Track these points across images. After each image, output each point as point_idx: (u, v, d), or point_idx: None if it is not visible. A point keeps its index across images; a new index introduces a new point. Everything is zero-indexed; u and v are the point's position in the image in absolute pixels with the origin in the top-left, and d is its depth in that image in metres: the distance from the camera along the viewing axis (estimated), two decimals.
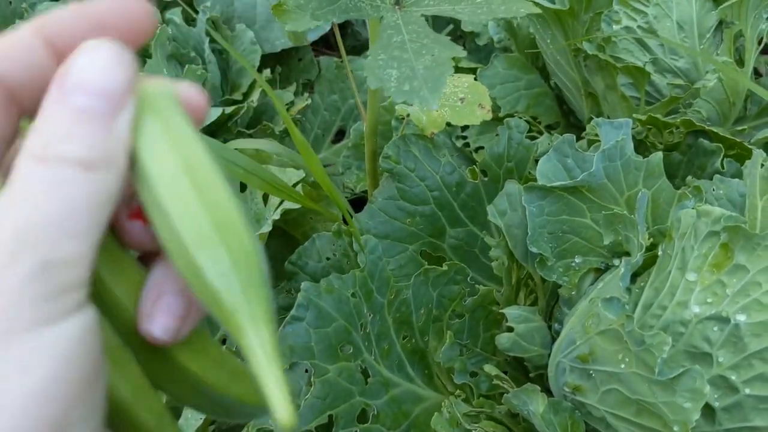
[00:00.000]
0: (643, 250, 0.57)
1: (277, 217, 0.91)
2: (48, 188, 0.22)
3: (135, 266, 0.28)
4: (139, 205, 0.26)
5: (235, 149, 0.59)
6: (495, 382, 0.68)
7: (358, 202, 1.21)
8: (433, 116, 0.77)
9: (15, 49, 0.25)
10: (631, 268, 0.56)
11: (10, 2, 1.26)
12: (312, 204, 0.64)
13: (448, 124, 0.86)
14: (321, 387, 0.58)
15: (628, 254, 0.69)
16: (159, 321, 0.26)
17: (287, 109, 1.24)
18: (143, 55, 1.17)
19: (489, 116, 0.77)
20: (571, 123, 1.17)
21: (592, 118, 0.78)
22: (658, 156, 0.65)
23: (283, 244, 1.16)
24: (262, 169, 0.59)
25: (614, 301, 0.53)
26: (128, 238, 0.27)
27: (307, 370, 0.64)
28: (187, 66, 1.09)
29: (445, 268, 0.70)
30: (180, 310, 0.27)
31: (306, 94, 1.25)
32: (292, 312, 0.59)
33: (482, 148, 0.92)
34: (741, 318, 0.55)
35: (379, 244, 0.67)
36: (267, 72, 1.21)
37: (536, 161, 0.85)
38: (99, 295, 0.26)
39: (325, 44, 1.59)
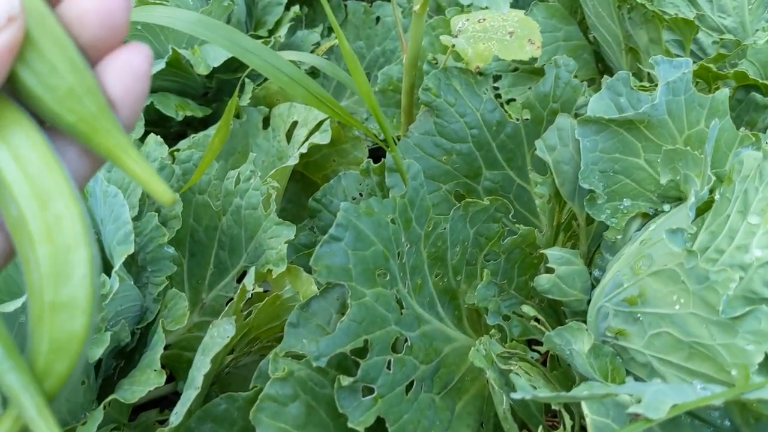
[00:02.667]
0: (711, 183, 0.54)
1: (304, 150, 0.87)
2: None
3: None
4: None
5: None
6: (532, 324, 0.65)
7: (381, 153, 1.17)
8: (480, 49, 0.73)
9: None
10: (698, 200, 0.53)
11: None
12: (353, 121, 0.60)
13: (480, 74, 0.82)
14: (358, 310, 0.55)
15: (679, 200, 0.66)
16: None
17: (312, 50, 1.20)
18: None
19: (539, 53, 0.73)
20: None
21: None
22: (724, 93, 0.62)
23: (301, 188, 1.12)
24: (307, 78, 0.55)
25: (679, 233, 0.50)
26: None
27: (338, 298, 0.61)
28: None
29: (486, 202, 0.67)
30: None
31: (333, 35, 1.21)
32: (331, 231, 0.56)
33: (513, 100, 0.88)
34: None
35: (421, 170, 0.64)
36: (296, 8, 1.17)
37: (582, 107, 0.82)
38: None
39: None
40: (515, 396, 0.44)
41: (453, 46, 0.75)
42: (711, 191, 0.61)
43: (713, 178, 0.55)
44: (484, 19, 0.75)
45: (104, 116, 0.29)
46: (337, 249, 0.56)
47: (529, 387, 0.49)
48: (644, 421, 0.39)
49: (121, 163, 0.29)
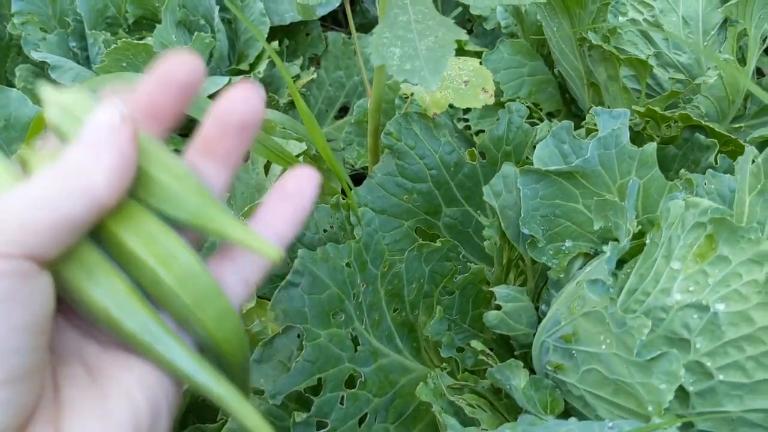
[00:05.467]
0: (630, 236, 0.59)
1: None
2: None
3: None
4: None
5: None
6: (480, 357, 0.70)
7: (358, 178, 1.22)
8: (437, 97, 0.78)
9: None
10: (617, 252, 0.58)
11: None
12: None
13: (451, 106, 0.87)
14: (312, 350, 0.60)
15: (616, 240, 0.71)
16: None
17: (293, 83, 1.25)
18: (153, 20, 1.18)
19: (491, 101, 0.78)
20: (573, 112, 1.18)
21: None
22: (651, 146, 0.67)
23: None
24: (267, 136, 0.61)
25: (599, 283, 0.55)
26: None
27: (299, 336, 0.66)
28: (196, 33, 1.10)
29: (438, 244, 0.72)
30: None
31: (312, 69, 1.26)
32: (288, 277, 0.61)
33: (483, 131, 0.93)
34: (720, 307, 0.57)
35: (375, 217, 0.69)
36: (275, 44, 1.22)
37: (534, 147, 0.87)
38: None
39: (333, 21, 1.60)
40: None
41: (412, 94, 0.80)
42: (642, 234, 0.66)
43: (632, 230, 0.60)
44: (439, 80, 0.80)
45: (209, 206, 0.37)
46: (294, 294, 0.61)
47: (458, 426, 0.54)
48: None
49: (227, 236, 0.37)
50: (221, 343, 0.36)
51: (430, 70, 0.53)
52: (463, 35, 0.54)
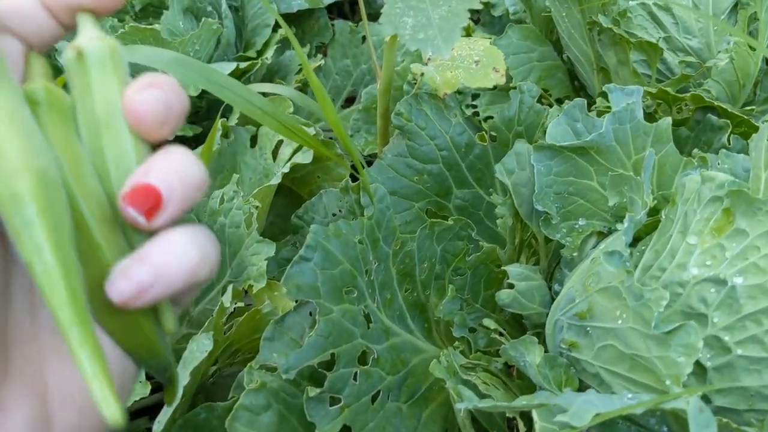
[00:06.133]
0: (647, 208, 0.58)
1: (286, 170, 0.92)
2: None
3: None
4: (141, 184, 0.30)
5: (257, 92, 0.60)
6: (493, 336, 0.69)
7: (369, 164, 1.22)
8: (447, 77, 0.78)
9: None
10: (634, 225, 0.58)
11: None
12: (325, 150, 0.65)
13: (459, 92, 0.87)
14: (325, 325, 0.60)
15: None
16: (119, 285, 0.29)
17: (299, 71, 1.25)
18: (160, 6, 1.18)
19: (502, 80, 0.78)
20: (582, 98, 1.17)
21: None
22: (666, 121, 0.66)
23: (289, 202, 1.17)
24: (279, 111, 0.60)
25: (615, 255, 0.55)
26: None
27: (311, 313, 0.65)
28: (203, 20, 1.09)
29: (450, 222, 0.72)
30: (141, 283, 0.29)
31: (319, 56, 1.26)
32: (301, 252, 0.61)
33: (491, 117, 0.93)
34: (738, 280, 0.57)
35: (387, 194, 0.68)
36: (282, 31, 1.21)
37: (545, 129, 0.86)
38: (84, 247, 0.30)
39: (339, 12, 1.60)
40: (459, 406, 0.48)
41: (422, 74, 0.80)
42: (657, 212, 0.66)
43: (649, 203, 0.59)
44: (452, 48, 0.79)
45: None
46: (306, 268, 0.61)
47: (475, 397, 0.54)
48: (569, 429, 0.44)
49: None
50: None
51: (444, 38, 0.52)
52: (477, 4, 0.54)
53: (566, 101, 1.16)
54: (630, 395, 0.50)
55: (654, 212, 0.66)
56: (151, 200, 0.29)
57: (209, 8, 1.17)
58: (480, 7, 0.54)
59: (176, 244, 0.30)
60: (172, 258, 0.29)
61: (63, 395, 0.30)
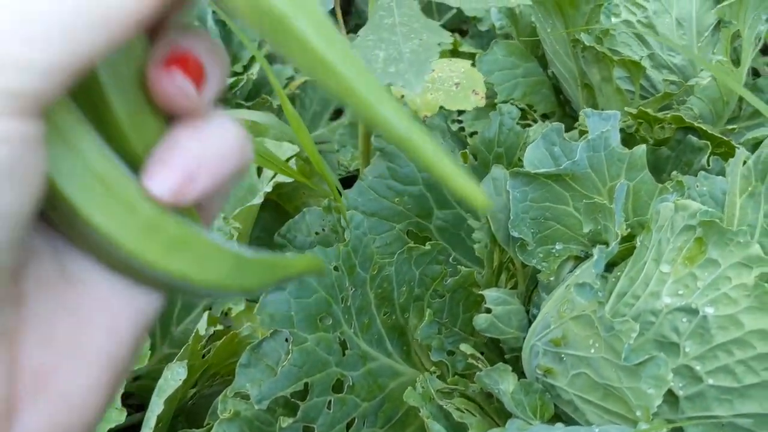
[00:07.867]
0: (619, 239, 0.58)
1: (269, 189, 0.92)
2: None
3: (159, 121, 0.25)
4: (182, 50, 0.24)
5: None
6: (470, 361, 0.69)
7: (353, 180, 1.22)
8: (427, 99, 0.78)
9: None
10: (605, 256, 0.58)
11: None
12: (302, 178, 0.65)
13: (443, 108, 0.87)
14: (299, 355, 0.60)
15: (606, 244, 0.70)
16: (163, 176, 0.24)
17: (286, 84, 1.25)
18: None
19: (482, 103, 0.78)
20: (567, 113, 1.18)
21: None
22: (641, 149, 0.66)
23: (275, 217, 1.17)
24: (256, 141, 0.60)
25: (586, 287, 0.55)
26: (158, 94, 0.24)
27: (287, 339, 0.66)
28: None
29: (428, 247, 0.72)
30: (189, 172, 0.24)
31: None
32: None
33: (477, 133, 0.93)
34: (709, 310, 0.57)
35: (364, 219, 0.68)
36: (268, 46, 1.21)
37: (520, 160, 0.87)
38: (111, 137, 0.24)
39: None
40: None
41: (402, 96, 0.80)
42: (632, 237, 0.66)
43: (620, 234, 0.59)
44: (433, 71, 0.80)
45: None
46: (280, 298, 0.61)
47: (445, 431, 0.54)
48: None
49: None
50: None
51: (414, 72, 0.52)
52: (448, 38, 0.54)
53: (551, 116, 1.17)
54: (597, 430, 0.51)
55: (629, 238, 0.66)
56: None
57: (195, 22, 1.17)
58: (450, 41, 0.54)
59: (214, 123, 0.25)
60: (215, 137, 0.24)
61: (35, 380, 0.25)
